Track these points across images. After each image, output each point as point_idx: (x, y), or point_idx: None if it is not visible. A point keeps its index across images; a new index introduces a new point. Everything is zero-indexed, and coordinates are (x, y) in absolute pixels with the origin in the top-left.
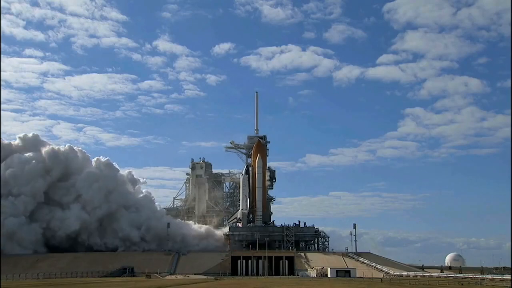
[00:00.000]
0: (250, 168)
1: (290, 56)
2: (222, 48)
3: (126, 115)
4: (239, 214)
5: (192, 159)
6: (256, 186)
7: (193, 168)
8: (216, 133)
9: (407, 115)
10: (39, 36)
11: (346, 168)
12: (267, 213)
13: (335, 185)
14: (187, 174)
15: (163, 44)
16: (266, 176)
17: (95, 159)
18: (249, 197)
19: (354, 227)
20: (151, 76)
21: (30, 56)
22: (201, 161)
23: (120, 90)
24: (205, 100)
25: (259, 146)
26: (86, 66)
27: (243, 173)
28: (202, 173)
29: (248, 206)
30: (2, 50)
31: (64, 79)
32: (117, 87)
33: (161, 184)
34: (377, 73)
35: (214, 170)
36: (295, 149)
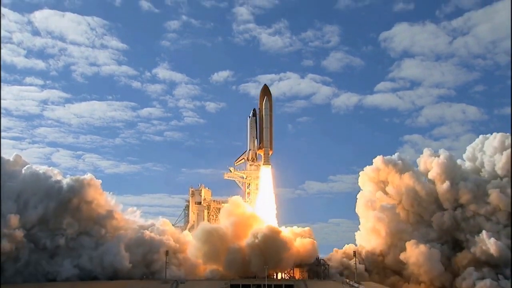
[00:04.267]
0: (257, 111)
1: (289, 83)
2: (221, 75)
3: (126, 142)
4: (246, 154)
5: (191, 186)
6: (264, 127)
7: (192, 195)
8: (215, 160)
9: (406, 142)
10: (40, 64)
11: (345, 195)
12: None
13: (334, 212)
14: (186, 201)
15: (163, 72)
16: (272, 118)
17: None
18: (256, 138)
19: (354, 255)
20: (151, 103)
21: (30, 84)
22: (200, 188)
23: (119, 118)
24: (205, 127)
25: (265, 90)
26: (86, 93)
27: (250, 116)
28: (201, 200)
29: (257, 145)
30: (2, 78)
31: (64, 106)
32: (116, 114)
33: (160, 211)
34: (375, 100)
35: (214, 197)
36: (295, 176)
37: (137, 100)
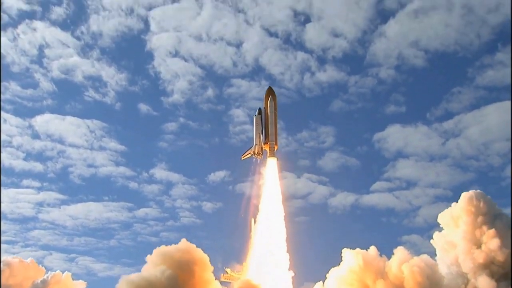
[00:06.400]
0: (263, 110)
1: (285, 183)
2: (218, 175)
3: (121, 243)
4: (252, 149)
5: None
6: (269, 123)
7: None
8: (212, 261)
9: (404, 242)
10: (38, 167)
11: None
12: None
13: None
14: None
15: (160, 172)
16: (276, 116)
17: None
18: (262, 134)
19: None
20: (147, 204)
21: (27, 187)
22: None
23: (115, 219)
24: (202, 227)
25: (270, 91)
26: (83, 195)
27: (256, 114)
28: None
29: (263, 141)
30: (2, 182)
31: (60, 208)
32: (112, 215)
33: None
34: (372, 200)
35: None
36: (294, 277)
37: (134, 201)
